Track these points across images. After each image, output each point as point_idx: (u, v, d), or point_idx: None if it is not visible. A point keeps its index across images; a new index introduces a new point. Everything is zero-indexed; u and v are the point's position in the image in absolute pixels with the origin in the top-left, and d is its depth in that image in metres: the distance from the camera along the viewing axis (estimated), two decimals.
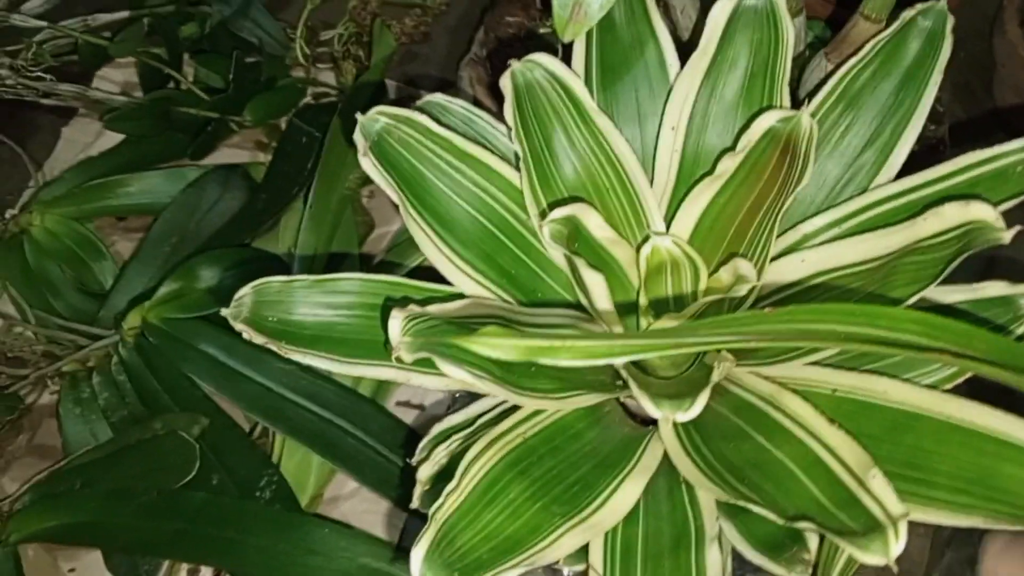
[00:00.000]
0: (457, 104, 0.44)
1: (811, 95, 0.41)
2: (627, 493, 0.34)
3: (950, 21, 0.39)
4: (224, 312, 0.36)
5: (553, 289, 0.42)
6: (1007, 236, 0.29)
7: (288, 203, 0.71)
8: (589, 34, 0.43)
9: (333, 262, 0.65)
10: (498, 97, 0.42)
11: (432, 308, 0.33)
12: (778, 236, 0.41)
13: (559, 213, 0.35)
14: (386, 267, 0.65)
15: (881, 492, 0.28)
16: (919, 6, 0.40)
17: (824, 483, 0.30)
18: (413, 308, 0.32)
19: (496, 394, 0.32)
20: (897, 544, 0.25)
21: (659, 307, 0.40)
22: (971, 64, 0.81)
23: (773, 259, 0.40)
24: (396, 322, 0.31)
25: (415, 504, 0.36)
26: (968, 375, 0.37)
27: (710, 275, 0.39)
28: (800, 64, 0.50)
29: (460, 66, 0.73)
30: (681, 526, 0.35)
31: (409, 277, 0.39)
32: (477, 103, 0.58)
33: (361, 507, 0.61)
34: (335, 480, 0.62)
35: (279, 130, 0.80)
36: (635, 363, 0.39)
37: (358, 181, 0.70)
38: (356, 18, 0.87)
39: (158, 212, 0.73)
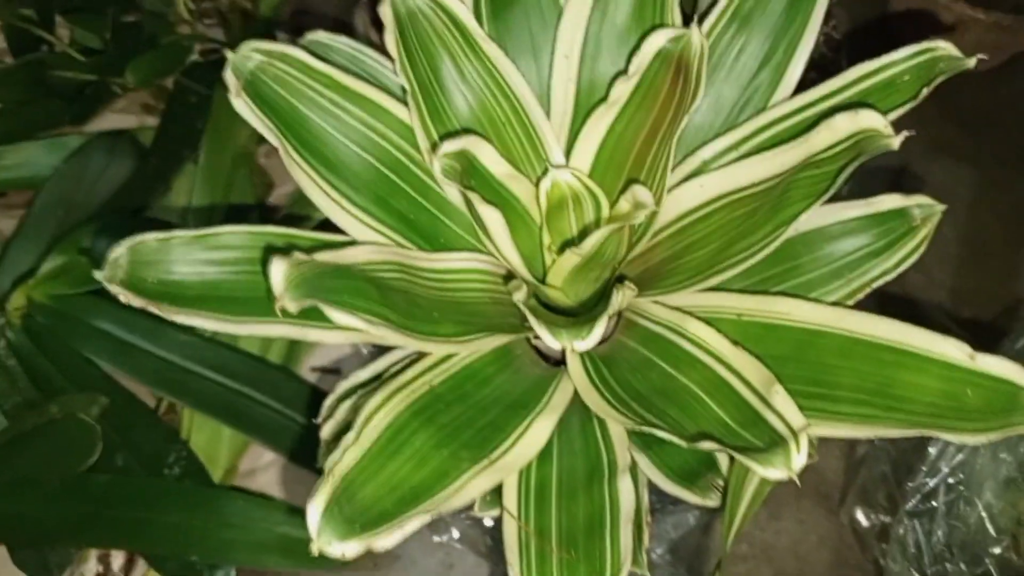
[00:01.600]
0: (341, 42, 0.42)
1: (703, 16, 0.41)
2: (537, 432, 0.33)
3: None
4: (97, 275, 0.34)
5: (455, 233, 0.40)
6: (896, 142, 0.29)
7: (179, 166, 0.67)
8: None
9: (229, 220, 0.62)
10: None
11: (320, 256, 0.31)
12: (678, 164, 0.40)
13: (450, 147, 0.33)
14: (290, 221, 0.63)
15: (783, 407, 0.27)
16: None
17: (729, 404, 0.30)
18: (297, 255, 0.30)
19: (395, 342, 0.31)
20: (799, 456, 0.25)
21: (563, 241, 0.39)
22: None
23: (673, 187, 0.39)
24: (278, 269, 0.29)
25: (320, 463, 0.34)
26: (870, 289, 0.37)
27: (612, 205, 0.38)
28: None
29: (355, 12, 0.70)
30: (595, 460, 0.35)
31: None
32: (372, 46, 0.55)
33: (276, 478, 0.59)
34: (252, 452, 0.60)
35: (167, 92, 0.76)
36: (538, 299, 0.38)
37: (253, 139, 0.67)
38: None
39: (40, 185, 0.68)
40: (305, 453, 0.54)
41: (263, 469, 0.60)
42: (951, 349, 0.30)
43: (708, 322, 0.36)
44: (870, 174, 0.76)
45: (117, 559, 0.55)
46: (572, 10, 0.39)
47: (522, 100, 0.38)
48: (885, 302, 0.46)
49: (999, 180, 0.74)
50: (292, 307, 0.28)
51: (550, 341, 0.28)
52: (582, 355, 0.37)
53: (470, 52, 0.37)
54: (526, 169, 0.40)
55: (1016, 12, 0.72)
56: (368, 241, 0.38)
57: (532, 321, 0.29)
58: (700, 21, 0.39)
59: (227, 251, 0.36)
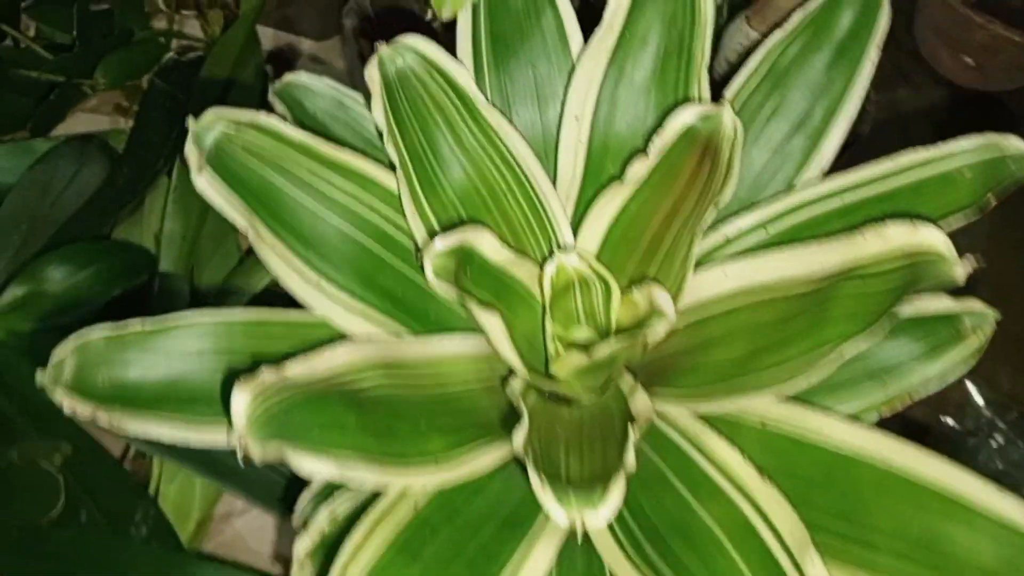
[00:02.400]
0: (325, 83, 0.37)
1: (731, 73, 0.36)
2: (537, 562, 0.30)
3: None
4: (39, 378, 0.30)
5: (447, 309, 0.36)
6: (960, 274, 0.25)
7: (153, 179, 0.63)
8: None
9: (205, 252, 0.58)
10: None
11: (295, 368, 0.27)
12: (705, 234, 0.36)
13: (443, 244, 0.29)
14: None
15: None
16: None
17: (754, 559, 0.26)
18: (265, 379, 0.26)
19: (381, 483, 0.27)
20: None
21: (569, 327, 0.35)
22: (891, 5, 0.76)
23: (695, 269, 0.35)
24: (240, 402, 0.25)
25: None
26: (910, 400, 0.33)
27: (623, 289, 0.34)
28: (717, 28, 0.44)
29: (344, 12, 0.65)
30: None
31: None
32: (362, 58, 0.50)
33: (256, 523, 0.55)
34: (226, 496, 0.57)
35: (141, 91, 0.70)
36: (540, 390, 0.34)
37: None
38: None
39: (3, 194, 0.64)
40: (284, 500, 0.50)
41: (238, 514, 0.57)
42: (1010, 507, 0.26)
43: (730, 424, 0.32)
44: None
45: None
46: (585, 66, 0.35)
47: (526, 169, 0.34)
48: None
49: None
50: (256, 454, 0.24)
51: (556, 514, 0.24)
52: None
53: (468, 117, 0.33)
54: (529, 244, 0.35)
55: None
56: (350, 328, 0.33)
57: (531, 475, 0.25)
58: (729, 81, 0.35)
59: (189, 340, 0.31)
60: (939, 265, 0.26)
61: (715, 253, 0.36)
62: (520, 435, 0.26)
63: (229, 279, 0.59)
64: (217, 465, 0.51)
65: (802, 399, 0.34)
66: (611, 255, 0.35)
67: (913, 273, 0.26)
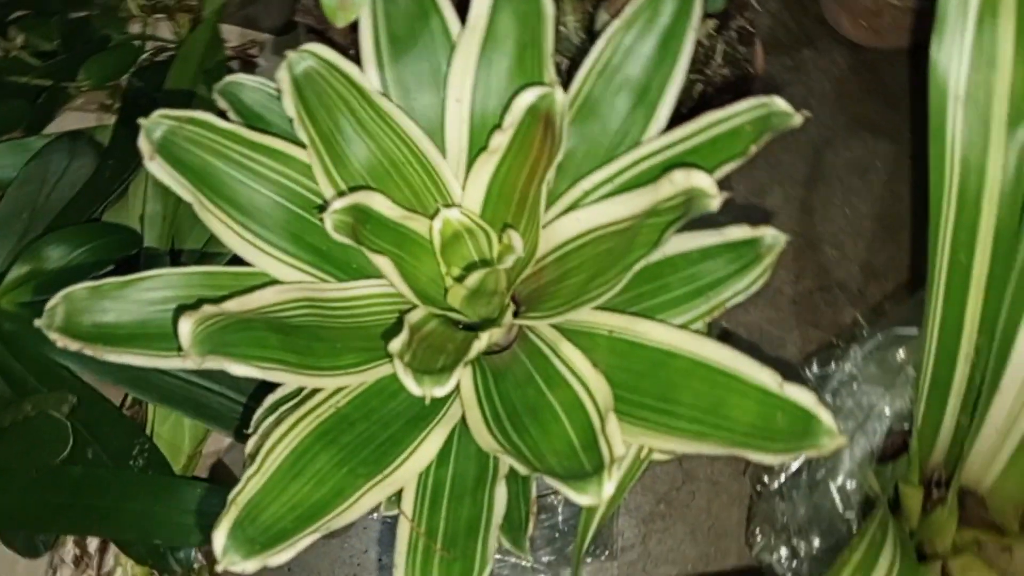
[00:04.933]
0: (256, 81, 0.46)
1: (581, 56, 0.44)
2: (429, 446, 0.39)
3: None
4: (37, 323, 0.39)
5: (367, 259, 0.45)
6: (715, 203, 0.34)
7: (136, 168, 0.71)
8: (373, 4, 0.44)
9: (184, 228, 0.66)
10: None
11: (230, 304, 0.36)
12: (564, 193, 0.44)
13: (339, 204, 0.37)
14: None
15: (612, 433, 0.33)
16: None
17: (579, 425, 0.35)
18: (205, 310, 0.34)
19: (292, 383, 0.36)
20: (609, 485, 0.30)
21: (462, 267, 0.44)
22: None
23: (558, 216, 0.44)
24: (184, 328, 0.33)
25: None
26: (724, 308, 0.42)
27: (500, 235, 0.43)
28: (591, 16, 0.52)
29: (295, 11, 0.73)
30: (484, 465, 0.40)
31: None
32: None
33: (242, 456, 0.65)
34: (215, 437, 0.66)
35: (122, 90, 0.79)
36: (446, 317, 0.43)
37: None
38: None
39: (4, 188, 0.73)
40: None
41: (224, 451, 0.66)
42: (766, 377, 0.35)
43: (587, 335, 0.41)
44: (789, 148, 0.80)
45: (92, 541, 0.61)
46: (460, 58, 0.43)
47: (419, 145, 0.43)
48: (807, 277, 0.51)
49: (915, 155, 0.78)
50: (196, 362, 0.33)
51: (412, 388, 0.33)
52: (475, 365, 0.42)
53: (366, 105, 0.41)
54: (429, 203, 0.44)
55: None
56: (286, 277, 0.42)
57: (397, 366, 0.33)
58: (578, 65, 0.43)
59: (155, 291, 0.40)
60: (704, 199, 0.34)
61: (578, 203, 0.44)
62: (396, 343, 0.35)
63: (204, 248, 0.68)
64: (203, 407, 0.60)
65: (645, 313, 0.43)
66: (492, 209, 0.43)
67: (688, 205, 0.35)
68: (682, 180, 0.35)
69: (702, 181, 0.35)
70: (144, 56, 0.80)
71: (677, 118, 0.62)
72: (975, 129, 0.38)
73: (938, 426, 0.45)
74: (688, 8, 0.42)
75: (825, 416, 0.32)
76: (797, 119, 0.38)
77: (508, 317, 0.41)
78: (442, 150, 0.44)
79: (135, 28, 0.83)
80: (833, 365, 0.56)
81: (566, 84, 0.46)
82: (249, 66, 0.89)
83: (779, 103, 0.38)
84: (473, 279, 0.39)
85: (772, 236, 0.40)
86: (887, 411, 0.48)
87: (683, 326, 0.42)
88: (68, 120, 0.80)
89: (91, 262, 0.64)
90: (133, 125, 0.74)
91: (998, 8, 0.38)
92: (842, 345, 0.57)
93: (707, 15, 0.64)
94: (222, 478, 0.66)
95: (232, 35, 0.87)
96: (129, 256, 0.65)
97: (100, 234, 0.66)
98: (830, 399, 0.52)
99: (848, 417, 0.49)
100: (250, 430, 0.44)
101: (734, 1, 0.70)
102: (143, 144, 0.39)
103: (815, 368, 0.58)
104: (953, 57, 0.39)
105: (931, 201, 0.41)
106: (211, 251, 0.67)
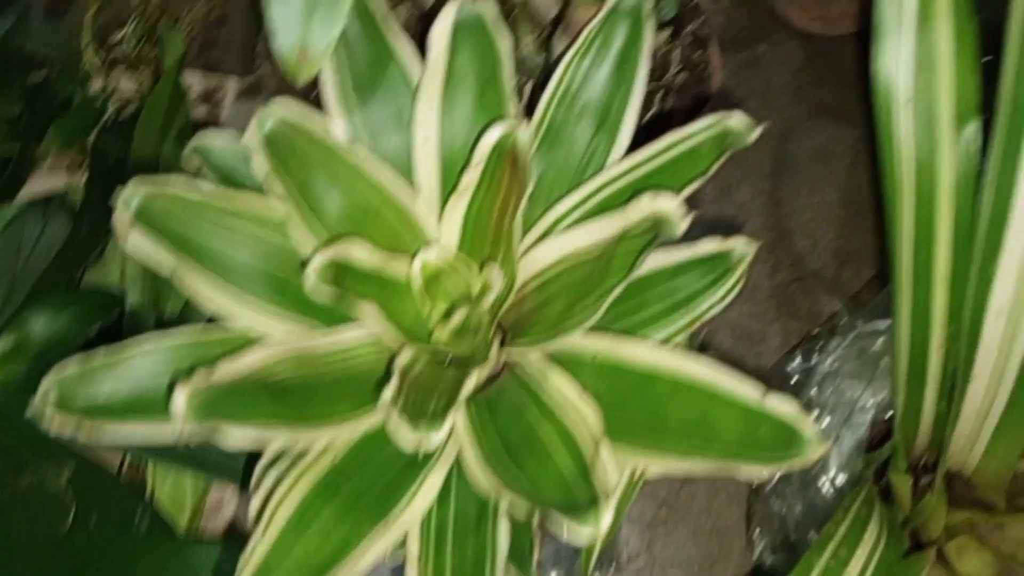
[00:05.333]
0: (223, 140, 0.46)
1: (543, 75, 0.45)
2: (428, 489, 0.39)
3: (648, 3, 0.43)
4: (30, 412, 0.39)
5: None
6: (681, 228, 0.35)
7: (110, 229, 0.71)
8: (336, 53, 0.45)
9: (166, 282, 0.67)
10: None
11: (220, 372, 0.37)
12: (537, 220, 0.45)
13: (317, 263, 0.38)
14: None
15: (606, 465, 0.33)
16: None
17: (570, 457, 0.36)
18: (195, 382, 0.35)
19: (295, 439, 0.36)
20: (606, 519, 0.31)
21: (446, 304, 0.45)
22: None
23: (534, 245, 0.44)
24: (179, 401, 0.34)
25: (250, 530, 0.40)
26: (702, 320, 0.43)
27: (480, 267, 0.44)
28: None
29: (255, 59, 0.74)
30: (484, 501, 0.41)
31: None
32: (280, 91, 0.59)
33: (243, 509, 0.65)
34: (217, 484, 0.66)
35: (90, 147, 0.79)
36: (435, 355, 0.43)
37: None
38: (144, 15, 0.85)
39: None
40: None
41: (229, 499, 0.66)
42: (748, 391, 0.36)
43: (574, 359, 0.42)
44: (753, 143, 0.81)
45: None
46: (424, 102, 0.44)
47: (391, 191, 0.43)
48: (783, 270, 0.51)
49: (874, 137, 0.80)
50: (193, 435, 0.34)
51: (407, 439, 0.33)
52: (468, 403, 0.42)
53: (334, 159, 0.42)
54: (408, 244, 0.45)
55: None
56: (271, 334, 0.43)
57: (390, 417, 0.34)
58: (541, 84, 0.44)
59: (143, 359, 0.41)
60: (670, 225, 0.35)
61: (552, 229, 0.45)
62: (388, 391, 0.36)
63: (189, 302, 0.68)
64: (201, 460, 0.60)
65: (628, 331, 0.44)
66: (469, 244, 0.44)
67: (656, 228, 0.36)
68: (648, 206, 0.36)
69: (667, 206, 0.36)
70: (109, 112, 0.80)
71: (641, 130, 0.64)
72: (923, 131, 0.40)
73: (919, 414, 0.46)
74: (639, 33, 0.43)
75: (807, 427, 0.33)
76: (754, 135, 0.39)
77: (495, 350, 0.42)
78: (416, 188, 0.45)
79: (98, 83, 0.83)
80: (816, 357, 0.57)
81: (531, 105, 0.47)
82: (216, 109, 0.89)
83: (733, 122, 0.39)
84: (456, 318, 0.40)
85: (742, 247, 0.41)
86: (870, 402, 0.49)
87: (666, 340, 0.44)
88: (39, 182, 0.80)
89: (75, 327, 0.64)
90: (104, 184, 0.75)
91: (933, 12, 0.39)
92: (824, 336, 0.59)
93: (660, 24, 0.65)
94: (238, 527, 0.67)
95: (195, 80, 0.88)
96: (111, 318, 0.65)
97: (81, 300, 0.66)
98: (816, 393, 0.53)
99: (833, 411, 0.50)
100: (252, 485, 0.44)
101: (686, 7, 0.72)
102: (119, 219, 0.39)
103: (798, 361, 0.59)
104: (893, 64, 0.40)
105: (886, 204, 0.42)
106: (192, 308, 0.67)
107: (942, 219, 0.41)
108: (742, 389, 0.36)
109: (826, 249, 0.74)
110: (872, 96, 0.41)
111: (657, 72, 0.67)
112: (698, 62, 0.68)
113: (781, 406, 0.35)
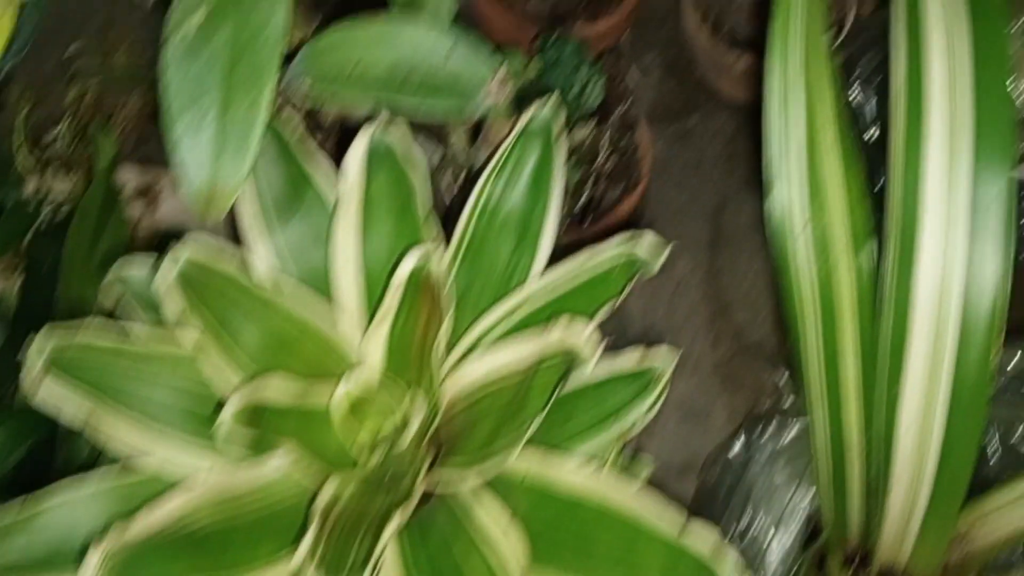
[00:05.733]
0: (143, 271, 0.46)
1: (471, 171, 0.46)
2: None
3: (558, 124, 0.44)
4: None
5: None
6: (591, 363, 0.35)
7: None
8: (255, 175, 0.45)
9: None
10: None
11: (136, 527, 0.36)
12: (465, 331, 0.46)
13: (229, 411, 0.37)
14: None
15: None
16: (532, 109, 0.44)
17: None
18: (108, 543, 0.34)
19: None
20: None
21: (374, 427, 0.45)
22: (671, 42, 0.87)
23: (462, 358, 0.45)
24: (92, 562, 0.33)
25: None
26: (631, 435, 0.43)
27: (408, 386, 0.44)
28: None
29: None
30: None
31: None
32: None
33: None
34: None
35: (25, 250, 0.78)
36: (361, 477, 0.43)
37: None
38: (77, 113, 0.85)
39: None
40: None
41: None
42: (667, 526, 0.36)
43: (504, 480, 0.42)
44: (691, 215, 0.82)
45: None
46: (342, 227, 0.44)
47: (310, 323, 0.43)
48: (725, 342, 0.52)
49: None
50: None
51: None
52: (400, 530, 0.42)
53: (245, 295, 0.42)
54: (329, 369, 0.44)
55: None
56: (192, 470, 0.42)
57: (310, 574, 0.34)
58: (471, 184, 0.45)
59: (60, 515, 0.40)
60: (581, 358, 0.35)
61: (479, 342, 0.45)
62: (306, 541, 0.35)
63: None
64: None
65: (558, 445, 0.44)
66: (394, 367, 0.44)
67: (571, 358, 0.36)
68: (559, 338, 0.37)
69: (576, 340, 0.36)
70: (44, 214, 0.80)
71: (571, 224, 0.65)
72: (820, 259, 0.41)
73: (845, 514, 0.46)
74: (550, 152, 0.44)
75: (726, 565, 0.33)
76: (659, 262, 0.39)
77: (423, 474, 0.42)
78: (339, 308, 0.45)
79: (32, 184, 0.82)
80: (758, 440, 0.57)
81: (461, 202, 0.47)
82: (152, 204, 0.89)
83: (641, 249, 0.40)
84: (380, 450, 0.40)
85: (662, 362, 0.42)
86: (805, 501, 0.50)
87: (597, 452, 0.44)
88: None
89: (6, 448, 0.62)
90: (36, 289, 0.74)
91: (819, 146, 0.40)
92: (765, 417, 0.59)
93: (587, 115, 0.66)
94: None
95: (132, 175, 0.87)
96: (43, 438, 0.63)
97: (12, 417, 0.64)
98: (756, 479, 0.53)
99: (771, 502, 0.50)
100: None
101: (615, 88, 0.73)
102: (32, 367, 0.39)
103: (741, 442, 0.60)
104: (786, 200, 0.41)
105: (791, 326, 0.43)
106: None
107: (847, 339, 0.41)
108: (662, 523, 0.36)
109: (766, 320, 0.75)
110: (768, 227, 0.42)
111: (587, 158, 0.68)
112: (627, 146, 0.69)
113: (700, 542, 0.35)
